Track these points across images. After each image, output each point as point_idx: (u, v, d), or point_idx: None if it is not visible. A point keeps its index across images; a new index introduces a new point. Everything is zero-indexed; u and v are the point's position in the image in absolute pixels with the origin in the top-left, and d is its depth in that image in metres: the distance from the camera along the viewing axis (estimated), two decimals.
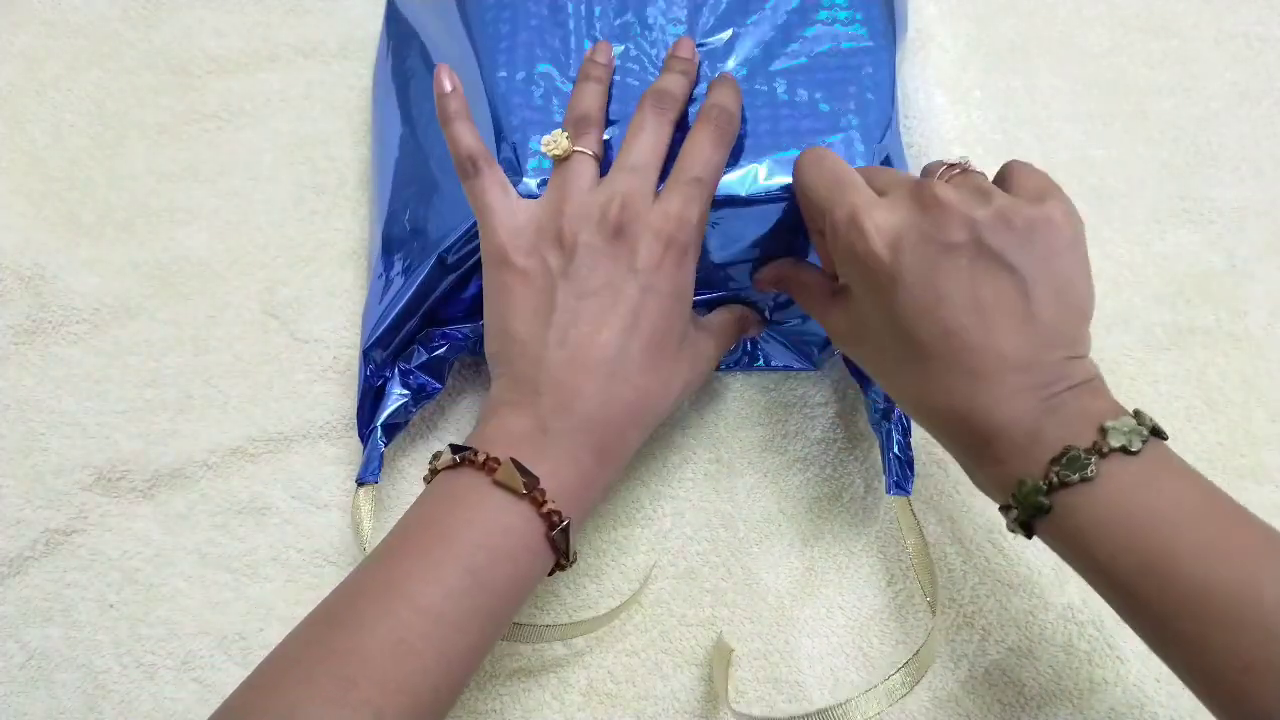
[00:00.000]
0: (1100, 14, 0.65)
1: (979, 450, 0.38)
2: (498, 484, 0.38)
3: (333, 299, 0.56)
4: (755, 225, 0.46)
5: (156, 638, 0.48)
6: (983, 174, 0.42)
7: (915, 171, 0.52)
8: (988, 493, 0.39)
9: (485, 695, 0.47)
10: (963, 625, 0.48)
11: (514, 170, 0.46)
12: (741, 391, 0.54)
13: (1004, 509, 0.38)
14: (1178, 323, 0.56)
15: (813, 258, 0.47)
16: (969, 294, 0.37)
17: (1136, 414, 0.36)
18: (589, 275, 0.41)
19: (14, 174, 0.59)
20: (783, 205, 0.46)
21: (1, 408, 0.53)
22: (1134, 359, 0.55)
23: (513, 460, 0.38)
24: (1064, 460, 0.35)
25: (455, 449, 0.40)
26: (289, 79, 0.62)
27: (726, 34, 0.48)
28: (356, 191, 0.59)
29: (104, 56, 0.63)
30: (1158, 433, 0.36)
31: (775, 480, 0.52)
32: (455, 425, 0.53)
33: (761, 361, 0.53)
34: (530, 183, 0.45)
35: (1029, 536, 0.38)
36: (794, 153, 0.44)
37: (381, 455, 0.48)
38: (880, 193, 0.40)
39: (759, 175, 0.45)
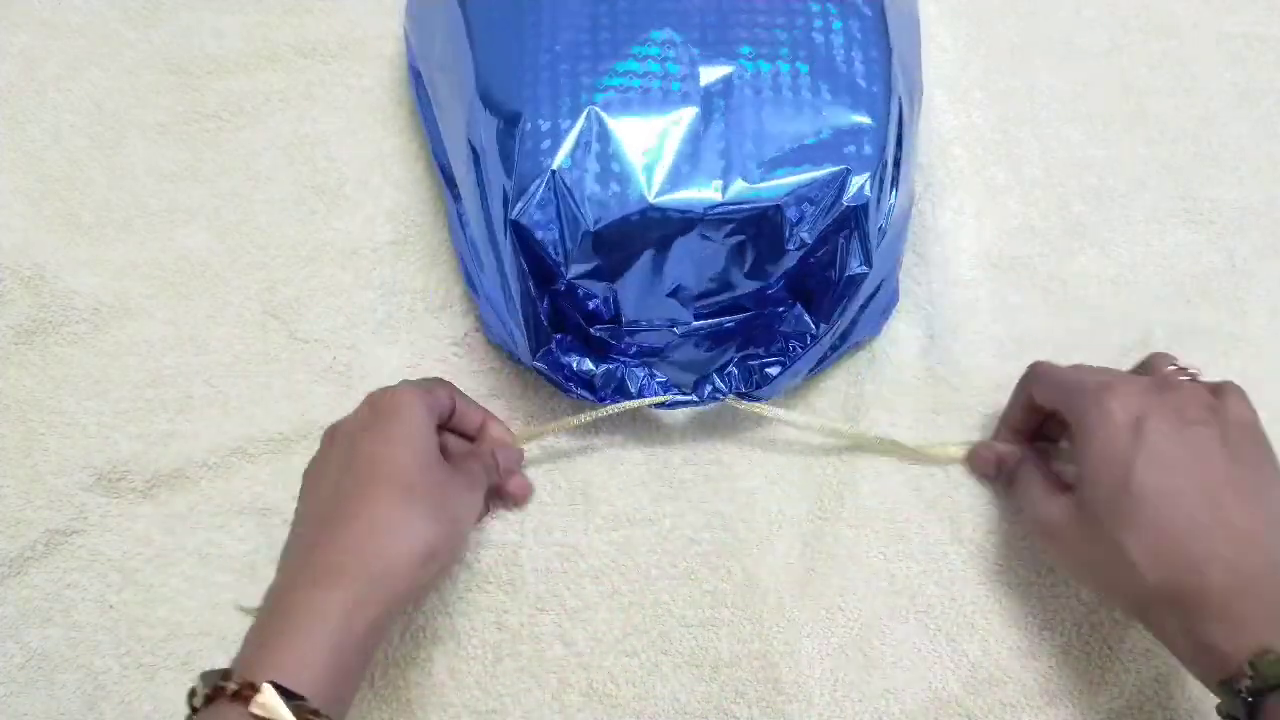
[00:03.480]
0: (1100, 14, 0.65)
1: (1198, 620, 0.37)
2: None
3: (333, 299, 0.56)
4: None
5: (156, 638, 0.48)
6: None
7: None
8: (1204, 671, 0.38)
9: (485, 695, 0.47)
10: (964, 626, 0.48)
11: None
12: None
13: (1227, 687, 0.36)
14: (1178, 323, 0.56)
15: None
16: (1206, 465, 0.39)
17: None
18: None
19: (14, 174, 0.59)
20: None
21: (1, 408, 0.53)
22: (1134, 359, 0.55)
23: (274, 684, 0.34)
24: None
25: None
26: (289, 79, 0.62)
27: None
28: (356, 191, 0.59)
29: (104, 56, 0.63)
30: None
31: (775, 481, 0.52)
32: None
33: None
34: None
35: None
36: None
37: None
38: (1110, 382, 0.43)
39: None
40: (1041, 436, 0.50)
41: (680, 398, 0.50)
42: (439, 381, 0.48)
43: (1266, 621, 0.36)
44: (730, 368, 0.51)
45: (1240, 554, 0.37)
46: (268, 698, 0.33)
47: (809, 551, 0.50)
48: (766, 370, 0.50)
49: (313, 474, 0.44)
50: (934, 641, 0.48)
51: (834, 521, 0.51)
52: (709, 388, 0.51)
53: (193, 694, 0.35)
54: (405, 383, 0.46)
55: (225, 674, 0.34)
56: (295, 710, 0.33)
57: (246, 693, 0.33)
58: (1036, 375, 0.48)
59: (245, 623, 0.48)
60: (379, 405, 0.43)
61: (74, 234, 0.57)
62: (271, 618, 0.36)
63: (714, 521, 0.51)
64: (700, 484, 0.51)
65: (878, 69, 0.48)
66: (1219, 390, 0.42)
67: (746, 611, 0.49)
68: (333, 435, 0.44)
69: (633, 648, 0.48)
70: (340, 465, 0.42)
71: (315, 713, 0.33)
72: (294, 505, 0.51)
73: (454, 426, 0.48)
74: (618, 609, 0.49)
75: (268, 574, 0.49)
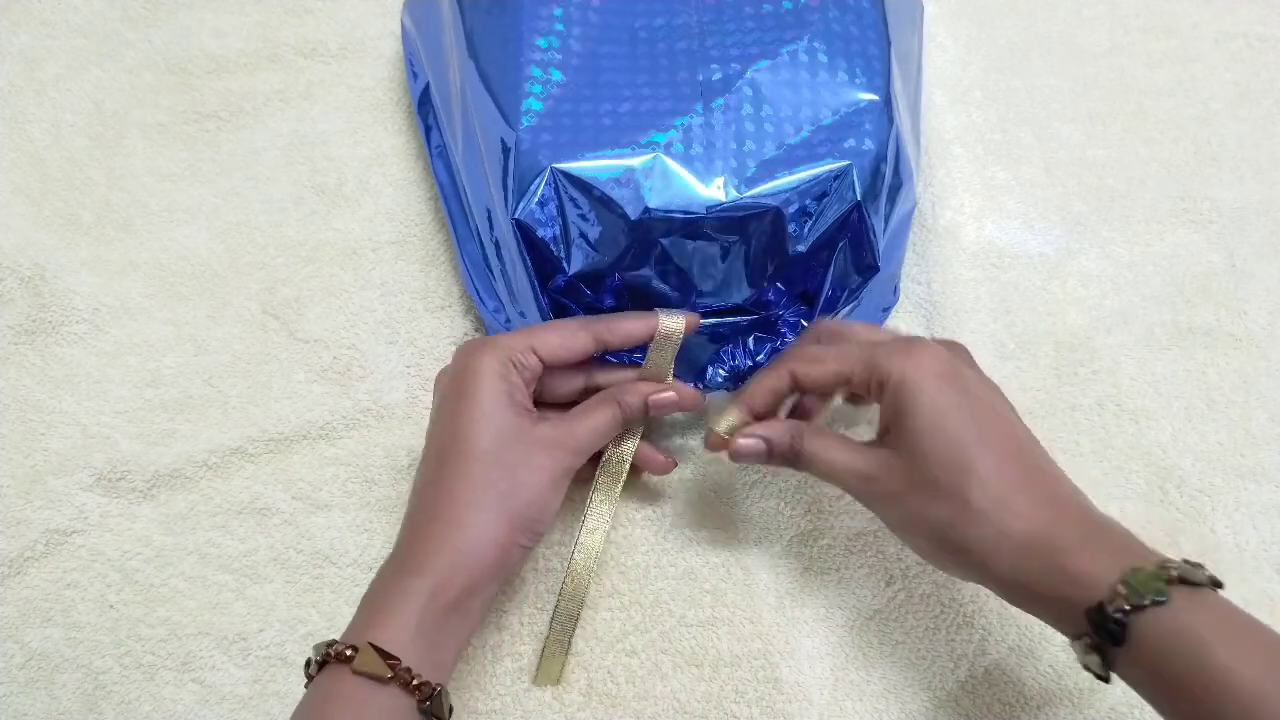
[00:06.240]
0: (1100, 14, 0.65)
1: (1063, 555, 0.37)
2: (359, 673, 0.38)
3: (333, 299, 0.56)
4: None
5: (156, 638, 0.48)
6: None
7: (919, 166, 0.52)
8: (1066, 609, 0.37)
9: (485, 695, 0.47)
10: (963, 625, 0.48)
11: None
12: None
13: (1098, 613, 0.36)
14: (1178, 323, 0.56)
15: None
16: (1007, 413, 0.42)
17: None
18: None
19: (14, 174, 0.59)
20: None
21: (1, 408, 0.53)
22: (1134, 359, 0.55)
23: (371, 645, 0.38)
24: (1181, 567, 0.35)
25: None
26: (289, 79, 0.62)
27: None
28: (356, 191, 0.59)
29: (104, 56, 0.63)
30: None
31: (775, 480, 0.52)
32: None
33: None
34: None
35: (1107, 672, 0.37)
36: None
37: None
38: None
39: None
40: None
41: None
42: (543, 333, 0.45)
43: (1124, 544, 0.37)
44: (723, 359, 0.51)
45: (1073, 492, 0.40)
46: (367, 656, 0.38)
47: (808, 550, 0.50)
48: (758, 360, 0.50)
49: (429, 433, 0.45)
50: (933, 641, 0.48)
51: (833, 520, 0.51)
52: (705, 378, 0.51)
53: (308, 664, 0.39)
54: (492, 343, 0.44)
55: (332, 642, 0.39)
56: (391, 668, 0.37)
57: (350, 654, 0.38)
58: (807, 355, 0.45)
59: (242, 623, 0.48)
60: (458, 375, 0.44)
61: (74, 234, 0.57)
62: (373, 598, 0.41)
63: (714, 521, 0.51)
64: (700, 484, 0.51)
65: (878, 65, 0.48)
66: (945, 343, 0.44)
67: (746, 611, 0.49)
68: (435, 388, 0.46)
69: (633, 647, 0.48)
70: (429, 442, 0.44)
71: (408, 670, 0.38)
72: (294, 505, 0.51)
73: (547, 396, 0.47)
74: (618, 609, 0.49)
75: (268, 574, 0.50)
